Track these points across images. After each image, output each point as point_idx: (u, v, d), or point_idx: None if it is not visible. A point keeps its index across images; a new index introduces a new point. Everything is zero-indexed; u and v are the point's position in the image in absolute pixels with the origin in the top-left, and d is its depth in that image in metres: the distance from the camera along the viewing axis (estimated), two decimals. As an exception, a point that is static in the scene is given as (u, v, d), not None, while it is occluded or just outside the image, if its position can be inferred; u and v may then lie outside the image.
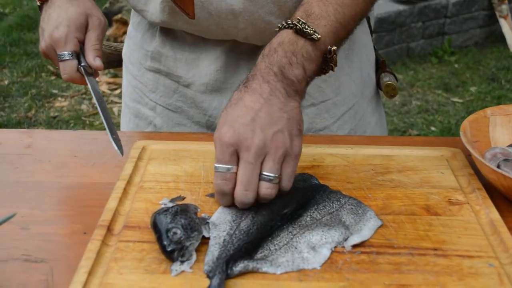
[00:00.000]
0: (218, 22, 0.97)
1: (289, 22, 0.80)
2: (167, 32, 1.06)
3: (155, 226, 0.69)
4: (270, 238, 0.71)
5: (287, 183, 0.75)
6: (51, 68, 3.91)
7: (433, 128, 3.21)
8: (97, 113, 3.35)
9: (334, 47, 0.81)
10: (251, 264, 0.66)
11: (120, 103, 3.44)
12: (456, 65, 4.02)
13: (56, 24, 0.94)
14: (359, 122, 1.13)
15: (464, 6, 4.19)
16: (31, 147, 0.97)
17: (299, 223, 0.74)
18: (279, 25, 0.82)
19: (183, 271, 0.66)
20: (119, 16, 3.83)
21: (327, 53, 0.81)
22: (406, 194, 0.82)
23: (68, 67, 0.95)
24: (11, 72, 3.86)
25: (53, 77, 3.81)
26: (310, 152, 0.92)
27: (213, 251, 0.68)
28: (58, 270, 0.68)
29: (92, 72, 0.97)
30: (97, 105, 0.93)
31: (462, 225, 0.75)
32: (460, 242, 0.72)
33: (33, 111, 3.37)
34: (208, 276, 0.65)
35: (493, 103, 3.47)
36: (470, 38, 4.32)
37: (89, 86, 0.95)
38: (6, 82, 3.72)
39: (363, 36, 1.12)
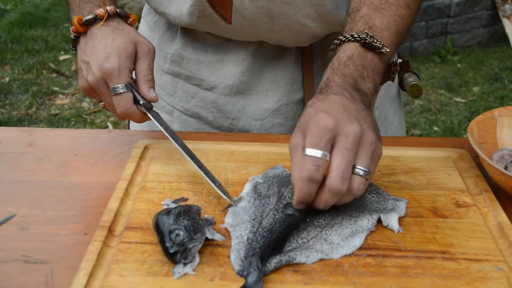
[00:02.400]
0: (253, 25, 0.95)
1: (355, 36, 0.80)
2: (189, 34, 1.04)
3: (157, 228, 0.68)
4: (296, 232, 0.71)
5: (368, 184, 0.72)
6: (52, 65, 3.90)
7: (435, 128, 3.20)
8: (98, 111, 3.34)
9: (400, 60, 0.83)
10: (284, 258, 0.66)
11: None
12: (459, 65, 4.01)
13: (105, 55, 0.85)
14: (382, 123, 1.12)
15: (467, 6, 4.17)
16: (31, 146, 0.96)
17: (323, 217, 0.74)
18: (341, 37, 0.81)
19: (186, 274, 0.65)
20: (121, 13, 3.82)
21: (391, 65, 0.83)
22: (413, 196, 0.81)
23: (123, 101, 0.86)
24: (12, 69, 3.85)
25: (54, 75, 3.80)
26: (315, 153, 0.91)
27: (239, 250, 0.68)
28: (58, 271, 0.67)
29: (151, 107, 0.89)
30: (175, 143, 0.85)
31: (470, 228, 0.74)
32: (468, 245, 0.71)
33: (34, 109, 3.36)
34: (241, 275, 0.64)
35: (496, 103, 3.46)
36: (473, 37, 4.30)
37: (155, 122, 0.87)
38: (7, 79, 3.71)
39: None
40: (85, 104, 3.42)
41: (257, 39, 1.00)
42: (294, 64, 1.06)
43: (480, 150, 0.82)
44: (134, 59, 0.88)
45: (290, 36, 0.98)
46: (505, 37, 4.25)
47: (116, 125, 3.19)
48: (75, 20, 0.89)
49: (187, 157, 0.83)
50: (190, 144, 0.93)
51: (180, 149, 0.84)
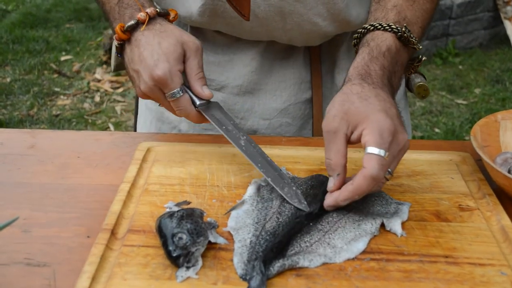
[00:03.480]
0: (264, 24, 0.95)
1: (393, 27, 0.80)
2: (198, 34, 1.04)
3: (160, 231, 0.68)
4: (299, 235, 0.71)
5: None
6: (53, 66, 3.90)
7: (437, 130, 3.20)
8: (100, 111, 3.34)
9: (425, 58, 0.84)
10: (287, 262, 0.66)
11: (123, 101, 3.44)
12: (460, 67, 4.01)
13: (154, 62, 0.83)
14: None
15: (469, 8, 4.17)
16: (33, 148, 0.95)
17: (327, 220, 0.74)
18: (376, 24, 0.81)
19: (188, 277, 0.65)
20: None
21: (415, 60, 0.83)
22: (416, 200, 0.80)
23: (182, 103, 0.85)
24: (13, 69, 3.85)
25: (55, 75, 3.81)
26: (318, 155, 0.91)
27: (242, 253, 0.68)
28: (60, 274, 0.67)
29: (207, 104, 0.88)
30: (235, 144, 0.84)
31: (473, 232, 0.74)
32: (471, 249, 0.71)
33: (35, 109, 3.36)
34: (244, 279, 0.64)
35: (497, 105, 3.45)
36: (474, 39, 4.30)
37: (211, 122, 0.87)
38: (8, 79, 3.71)
39: None
40: (86, 105, 3.42)
41: (268, 38, 1.00)
42: (302, 64, 1.06)
43: (483, 153, 0.82)
44: (183, 59, 0.87)
45: (301, 35, 0.98)
46: (507, 38, 4.25)
47: (117, 125, 3.19)
48: (117, 28, 0.87)
49: (248, 159, 0.82)
50: (192, 147, 0.93)
51: (243, 153, 0.83)
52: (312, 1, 0.93)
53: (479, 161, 0.89)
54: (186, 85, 0.87)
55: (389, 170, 0.72)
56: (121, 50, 0.91)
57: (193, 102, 0.87)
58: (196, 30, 1.05)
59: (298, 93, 1.07)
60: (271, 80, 1.05)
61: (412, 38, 0.79)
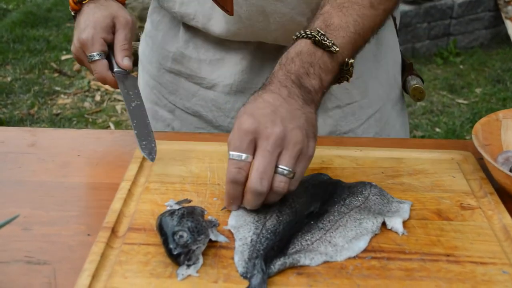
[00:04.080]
0: (248, 24, 0.95)
1: (307, 32, 0.79)
2: (191, 33, 1.04)
3: (161, 229, 0.68)
4: (300, 234, 0.71)
5: (295, 183, 0.73)
6: (54, 65, 3.90)
7: (437, 129, 3.20)
8: (100, 111, 3.34)
9: (352, 60, 0.81)
10: (288, 260, 0.66)
11: (123, 100, 3.43)
12: (461, 66, 4.00)
13: (83, 27, 0.96)
14: (384, 126, 1.11)
15: (470, 7, 4.17)
16: (34, 146, 0.95)
17: (328, 219, 0.73)
18: (297, 33, 0.81)
19: (189, 276, 0.64)
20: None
21: (344, 64, 0.81)
22: (417, 198, 0.80)
23: (98, 66, 0.96)
24: (14, 69, 3.85)
25: (56, 74, 3.80)
26: (319, 154, 0.91)
27: (242, 251, 0.67)
28: (61, 273, 0.67)
29: (126, 73, 0.97)
30: (128, 112, 0.94)
31: (475, 231, 0.74)
32: (472, 248, 0.71)
33: (35, 108, 3.36)
34: (244, 277, 0.64)
35: (498, 104, 3.45)
36: (475, 39, 4.30)
37: (121, 90, 0.96)
38: (9, 79, 3.71)
39: (390, 37, 1.10)
40: (87, 104, 3.42)
41: (255, 39, 1.00)
42: None
43: (485, 152, 0.82)
44: (113, 30, 0.98)
45: (287, 35, 0.97)
46: (508, 38, 4.25)
47: (118, 124, 3.19)
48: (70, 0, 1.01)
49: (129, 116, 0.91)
50: (193, 145, 0.92)
51: (128, 114, 0.93)
52: (293, 0, 0.93)
53: (480, 160, 0.88)
54: (112, 55, 0.97)
55: (281, 166, 0.71)
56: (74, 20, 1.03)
57: (113, 69, 0.97)
58: (188, 30, 1.05)
59: None
60: (263, 80, 1.04)
61: (326, 41, 0.78)
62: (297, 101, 0.75)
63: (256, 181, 0.70)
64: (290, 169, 0.71)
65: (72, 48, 0.99)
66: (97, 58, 0.95)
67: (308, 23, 0.86)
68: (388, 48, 1.10)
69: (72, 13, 1.03)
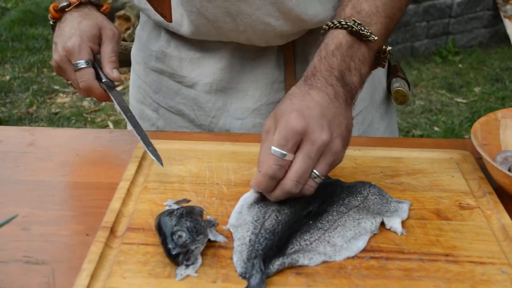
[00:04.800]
0: (217, 26, 0.95)
1: (342, 23, 0.77)
2: (172, 32, 1.05)
3: (159, 229, 0.68)
4: (299, 234, 0.71)
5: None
6: (53, 64, 3.90)
7: (436, 128, 3.20)
8: (99, 110, 3.33)
9: (389, 48, 0.80)
10: (286, 261, 0.66)
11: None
12: (460, 65, 4.01)
13: (69, 35, 0.94)
14: (367, 129, 1.10)
15: (468, 6, 4.17)
16: (33, 145, 0.95)
17: (326, 219, 0.73)
18: (329, 23, 0.79)
19: (188, 275, 0.64)
20: (122, 12, 3.81)
21: (381, 52, 0.79)
22: (416, 198, 0.80)
23: (85, 75, 0.93)
24: (13, 67, 3.84)
25: (54, 73, 3.80)
26: (317, 154, 0.91)
27: (241, 251, 0.67)
28: (60, 272, 0.67)
29: (114, 86, 0.95)
30: (126, 119, 0.92)
31: (473, 230, 0.74)
32: (471, 247, 0.71)
33: (34, 107, 3.36)
34: (243, 277, 0.64)
35: (497, 103, 3.45)
36: (474, 38, 4.30)
37: (114, 100, 0.94)
38: (7, 77, 3.70)
39: None
40: (85, 103, 3.42)
41: (228, 39, 0.99)
42: (275, 64, 1.04)
43: (484, 151, 0.82)
44: (99, 41, 0.96)
45: (257, 35, 0.96)
46: (506, 37, 4.25)
47: (116, 124, 3.18)
48: (51, 7, 0.98)
49: (128, 123, 0.91)
50: (191, 145, 0.92)
51: (127, 120, 0.91)
52: (258, 1, 0.91)
53: (479, 159, 0.88)
54: (98, 66, 0.95)
55: (316, 172, 0.71)
56: (54, 29, 1.00)
57: (100, 79, 0.94)
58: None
59: (270, 93, 1.05)
60: (243, 80, 1.04)
61: (364, 30, 0.76)
62: (341, 103, 0.74)
63: (292, 184, 0.70)
64: (323, 176, 0.72)
65: (55, 56, 0.95)
66: (84, 66, 0.93)
67: (335, 10, 0.84)
68: None
69: (51, 22, 1.00)
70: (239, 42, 0.99)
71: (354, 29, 0.76)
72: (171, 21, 0.94)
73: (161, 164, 0.84)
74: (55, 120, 3.22)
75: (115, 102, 0.93)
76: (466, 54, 4.16)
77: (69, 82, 0.97)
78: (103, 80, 0.94)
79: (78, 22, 0.95)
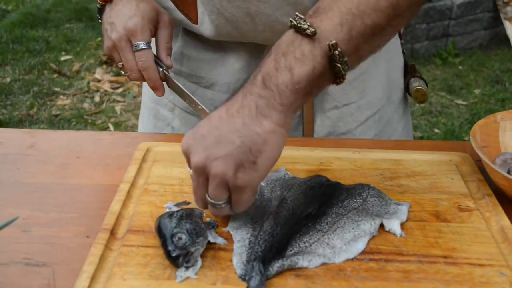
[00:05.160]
0: (236, 26, 0.95)
1: (291, 20, 0.70)
2: (190, 33, 1.04)
3: (159, 231, 0.68)
4: (298, 236, 0.71)
5: (236, 209, 0.71)
6: (53, 66, 3.90)
7: (436, 130, 3.20)
8: (99, 111, 3.34)
9: (333, 42, 0.66)
10: (286, 262, 0.66)
11: (123, 101, 3.44)
12: (460, 67, 4.01)
13: (130, 15, 0.92)
14: (384, 128, 1.10)
15: (468, 8, 4.17)
16: (33, 148, 0.96)
17: (326, 221, 0.73)
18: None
19: (188, 277, 0.65)
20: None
21: (334, 51, 0.67)
22: (415, 200, 0.80)
23: (144, 56, 0.92)
24: (13, 69, 3.85)
25: (55, 75, 3.80)
26: (317, 156, 0.91)
27: (241, 253, 0.68)
28: (60, 274, 0.67)
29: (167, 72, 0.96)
30: (192, 97, 0.94)
31: (472, 232, 0.74)
32: (470, 249, 0.71)
33: (35, 109, 3.36)
34: (243, 279, 0.64)
35: (497, 105, 3.45)
36: (474, 40, 4.30)
37: (178, 84, 0.95)
38: (8, 79, 3.70)
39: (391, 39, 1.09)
40: (86, 105, 3.42)
41: (247, 40, 0.99)
42: None
43: (483, 154, 0.82)
44: (156, 25, 0.95)
45: (275, 36, 0.94)
46: (507, 39, 4.25)
47: (117, 125, 3.19)
48: None
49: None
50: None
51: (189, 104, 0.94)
52: (276, 1, 0.91)
53: (478, 161, 0.89)
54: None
55: (207, 198, 0.70)
56: (101, 12, 0.98)
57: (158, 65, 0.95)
58: (188, 30, 1.05)
59: None
60: None
61: (302, 24, 0.67)
62: (244, 118, 0.67)
63: (196, 201, 0.72)
64: (216, 201, 0.69)
65: (114, 35, 0.92)
66: (145, 47, 0.91)
67: None
68: (388, 50, 1.08)
69: (99, 5, 0.98)
70: (257, 42, 0.99)
71: (293, 23, 0.69)
72: (196, 23, 0.95)
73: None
74: (56, 122, 3.22)
75: (173, 81, 0.95)
76: (466, 56, 4.16)
77: (120, 64, 0.96)
78: (163, 68, 0.95)
79: (136, 4, 0.93)
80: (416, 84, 1.09)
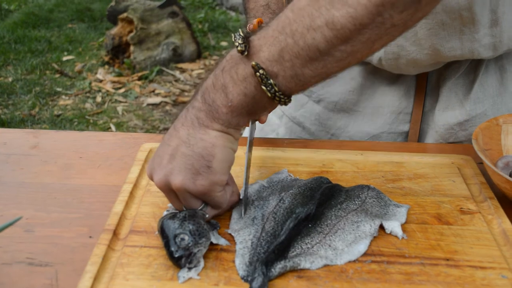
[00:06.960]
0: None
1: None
2: None
3: (162, 232, 0.68)
4: (300, 237, 0.71)
5: (218, 208, 0.74)
6: (55, 66, 3.91)
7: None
8: (101, 112, 3.34)
9: (253, 63, 0.63)
10: (288, 264, 0.66)
11: (125, 102, 3.44)
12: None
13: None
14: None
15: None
16: (36, 148, 0.96)
17: (326, 223, 0.74)
18: None
19: (190, 278, 0.65)
20: (125, 15, 3.82)
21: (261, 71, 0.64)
22: (417, 202, 0.81)
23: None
24: (15, 69, 3.85)
25: (57, 75, 3.81)
26: (319, 158, 0.91)
27: (243, 254, 0.68)
28: (63, 274, 0.67)
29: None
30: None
31: (474, 235, 0.74)
32: (472, 252, 0.71)
33: (36, 109, 3.37)
34: (245, 281, 0.65)
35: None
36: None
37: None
38: (10, 79, 3.71)
39: None
40: (88, 105, 3.43)
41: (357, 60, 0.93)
42: (404, 94, 1.03)
43: (485, 157, 0.82)
44: None
45: (388, 56, 0.95)
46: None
47: (119, 126, 3.19)
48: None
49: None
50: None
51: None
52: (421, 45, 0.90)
53: (480, 164, 0.89)
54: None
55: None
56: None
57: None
58: None
59: (394, 122, 1.05)
60: (369, 104, 1.04)
61: (236, 39, 0.64)
62: (188, 128, 0.68)
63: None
64: (198, 210, 0.71)
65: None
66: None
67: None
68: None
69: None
70: (371, 63, 0.99)
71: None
72: None
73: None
74: (58, 122, 3.22)
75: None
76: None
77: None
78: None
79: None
80: None
